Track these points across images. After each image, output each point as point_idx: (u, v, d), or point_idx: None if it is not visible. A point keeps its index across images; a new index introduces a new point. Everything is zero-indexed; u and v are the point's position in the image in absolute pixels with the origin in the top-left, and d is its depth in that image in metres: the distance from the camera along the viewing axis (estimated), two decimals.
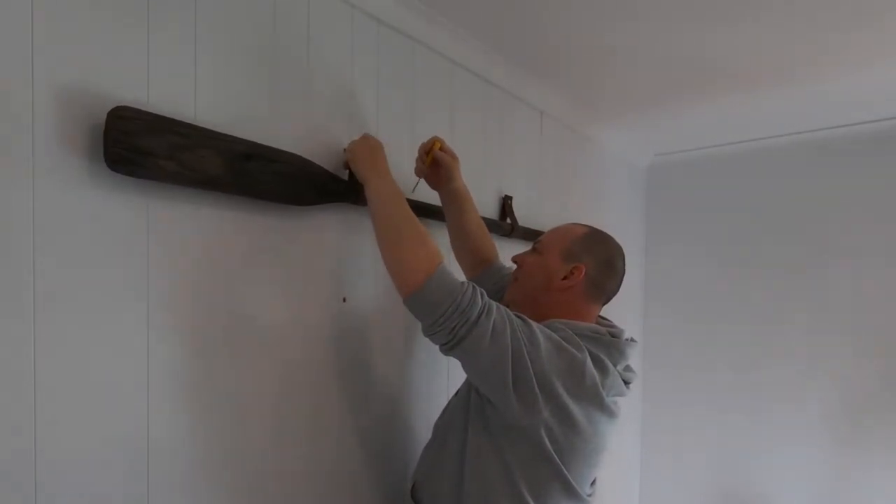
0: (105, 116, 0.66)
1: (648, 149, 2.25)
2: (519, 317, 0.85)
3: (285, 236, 0.93)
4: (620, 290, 1.00)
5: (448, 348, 0.82)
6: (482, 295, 0.83)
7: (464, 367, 0.85)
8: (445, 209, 1.17)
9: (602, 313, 1.02)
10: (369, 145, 0.96)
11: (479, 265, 1.18)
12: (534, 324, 0.84)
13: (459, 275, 1.10)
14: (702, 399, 2.21)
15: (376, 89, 1.10)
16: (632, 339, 0.96)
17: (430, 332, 0.83)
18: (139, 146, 0.67)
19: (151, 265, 0.74)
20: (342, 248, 1.03)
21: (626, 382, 0.94)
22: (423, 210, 1.14)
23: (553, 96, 1.62)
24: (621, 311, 1.02)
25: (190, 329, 0.79)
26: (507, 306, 0.96)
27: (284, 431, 0.93)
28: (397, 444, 1.17)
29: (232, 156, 0.77)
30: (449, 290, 0.80)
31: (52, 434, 0.66)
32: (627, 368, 0.96)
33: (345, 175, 1.01)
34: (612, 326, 0.98)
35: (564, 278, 0.94)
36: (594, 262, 0.95)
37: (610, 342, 0.90)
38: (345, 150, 0.98)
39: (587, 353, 0.84)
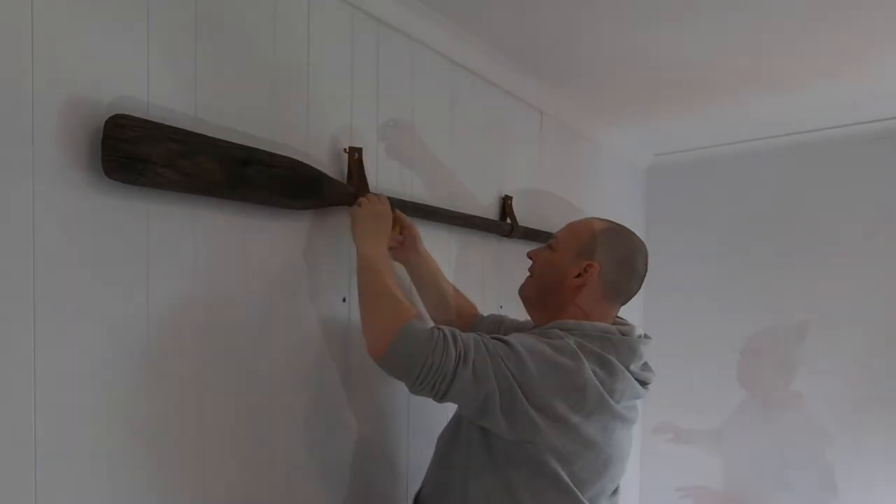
0: (103, 124, 0.65)
1: (648, 149, 2.25)
2: (503, 341, 0.79)
3: (284, 239, 0.92)
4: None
5: (437, 400, 0.78)
6: (455, 341, 0.76)
7: (459, 410, 0.83)
8: (419, 278, 1.10)
9: None
10: (376, 212, 0.93)
11: (468, 321, 1.14)
12: (518, 346, 0.78)
13: None
14: (701, 398, 2.21)
15: (376, 89, 1.09)
16: (645, 336, 0.92)
17: (414, 392, 0.78)
18: (137, 154, 0.66)
19: (151, 270, 0.74)
20: (341, 249, 1.02)
21: (644, 383, 0.90)
22: (423, 211, 1.13)
23: (553, 96, 1.61)
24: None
25: (190, 333, 0.79)
26: (523, 302, 0.93)
27: (284, 432, 0.93)
28: (400, 444, 1.17)
29: (229, 161, 0.76)
30: (417, 351, 0.74)
31: (52, 436, 0.65)
32: (645, 367, 0.91)
33: (343, 178, 1.00)
34: (624, 324, 0.93)
35: (577, 276, 0.89)
36: (610, 259, 0.90)
37: (620, 341, 0.85)
38: (354, 203, 0.95)
39: (582, 360, 0.79)
